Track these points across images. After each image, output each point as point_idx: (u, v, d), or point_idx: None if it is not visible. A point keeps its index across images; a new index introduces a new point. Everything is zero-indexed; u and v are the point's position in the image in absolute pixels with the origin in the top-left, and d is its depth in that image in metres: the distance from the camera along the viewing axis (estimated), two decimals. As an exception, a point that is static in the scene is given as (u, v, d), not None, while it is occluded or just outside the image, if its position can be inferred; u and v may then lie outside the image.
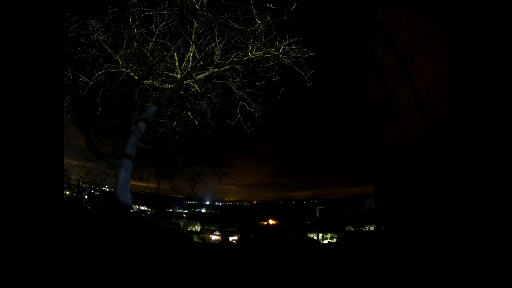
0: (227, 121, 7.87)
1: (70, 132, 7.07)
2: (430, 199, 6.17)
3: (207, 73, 7.39)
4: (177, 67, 7.34)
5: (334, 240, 33.24)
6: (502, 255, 2.03)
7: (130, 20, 6.27)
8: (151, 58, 6.85)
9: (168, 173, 7.77)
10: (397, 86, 7.13)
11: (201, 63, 7.16)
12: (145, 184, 7.91)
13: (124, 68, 6.91)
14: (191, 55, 7.17)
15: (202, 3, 6.31)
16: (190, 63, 7.23)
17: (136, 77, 7.10)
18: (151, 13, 6.24)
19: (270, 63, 7.21)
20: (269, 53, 6.89)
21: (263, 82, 7.53)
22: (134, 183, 7.63)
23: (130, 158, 6.81)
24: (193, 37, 6.82)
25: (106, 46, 6.65)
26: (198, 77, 7.42)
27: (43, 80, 1.96)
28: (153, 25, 6.57)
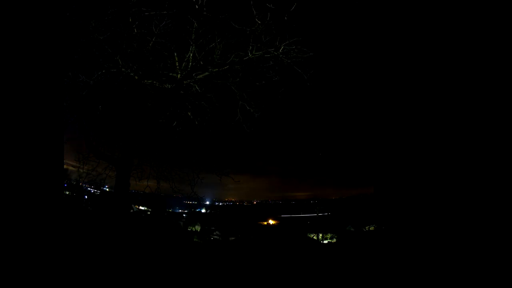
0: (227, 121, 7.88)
1: (70, 132, 7.07)
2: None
3: (207, 73, 7.39)
4: (177, 67, 7.34)
5: (334, 240, 33.24)
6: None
7: (130, 20, 6.26)
8: (151, 58, 6.86)
9: (168, 173, 7.78)
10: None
11: (201, 63, 7.17)
12: (145, 184, 7.93)
13: (124, 68, 6.91)
14: (191, 55, 7.17)
15: (202, 3, 6.32)
16: (190, 63, 7.23)
17: (136, 77, 7.10)
18: (151, 13, 6.24)
19: (270, 63, 7.21)
20: (269, 53, 6.89)
21: (263, 82, 7.54)
22: (134, 183, 7.64)
23: (130, 158, 6.81)
24: (193, 37, 6.82)
25: (106, 46, 6.65)
26: (198, 77, 7.42)
27: (43, 81, 1.96)
28: (153, 25, 6.57)
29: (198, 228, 43.68)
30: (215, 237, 38.88)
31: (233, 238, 33.00)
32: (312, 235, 33.99)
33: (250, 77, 7.66)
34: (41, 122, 1.94)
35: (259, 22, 6.24)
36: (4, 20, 1.80)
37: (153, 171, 7.78)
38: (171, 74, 7.50)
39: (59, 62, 2.10)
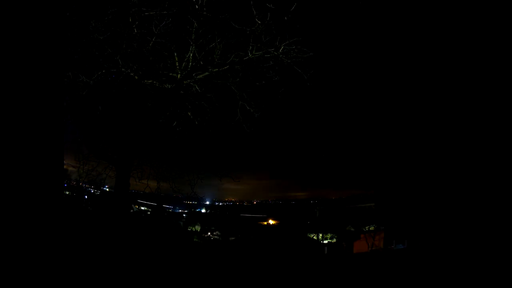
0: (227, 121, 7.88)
1: (70, 132, 7.07)
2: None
3: (207, 73, 7.39)
4: (177, 67, 7.34)
5: (334, 240, 33.22)
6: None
7: (130, 20, 6.26)
8: (151, 58, 6.86)
9: (168, 173, 7.79)
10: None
11: (201, 63, 7.16)
12: (145, 184, 7.94)
13: (124, 68, 6.91)
14: (191, 55, 7.17)
15: (202, 3, 6.32)
16: (190, 63, 7.23)
17: (136, 77, 7.10)
18: (151, 13, 6.24)
19: (270, 63, 7.21)
20: (269, 53, 6.89)
21: (263, 82, 7.54)
22: (134, 183, 7.64)
23: (130, 158, 6.81)
24: (193, 37, 6.82)
25: (106, 46, 6.65)
26: (198, 77, 7.42)
27: (43, 81, 1.95)
28: (153, 25, 6.57)
29: (198, 228, 43.61)
30: (215, 237, 38.83)
31: (233, 238, 32.98)
32: (312, 235, 33.96)
33: (250, 77, 7.66)
34: (41, 122, 1.94)
35: (259, 22, 6.24)
36: (4, 20, 1.80)
37: (153, 171, 7.79)
38: (171, 74, 7.50)
39: (59, 62, 2.10)
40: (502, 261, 5.52)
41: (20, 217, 1.85)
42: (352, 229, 33.97)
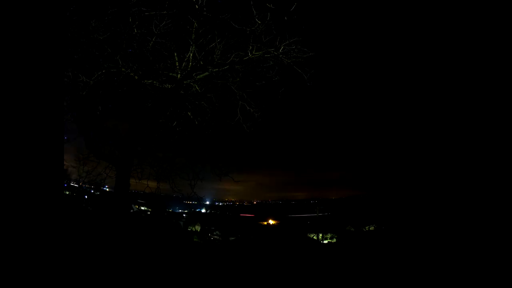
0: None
1: (70, 132, 7.07)
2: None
3: (207, 73, 7.39)
4: (177, 67, 7.34)
5: (334, 240, 33.25)
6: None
7: (130, 20, 6.26)
8: (151, 58, 6.86)
9: (168, 173, 7.79)
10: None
11: (201, 63, 7.16)
12: (145, 184, 7.94)
13: (124, 68, 6.91)
14: (191, 55, 7.17)
15: (202, 3, 6.32)
16: (190, 63, 7.23)
17: (136, 77, 7.10)
18: (151, 13, 6.24)
19: (270, 63, 7.21)
20: (269, 53, 6.88)
21: (263, 82, 7.54)
22: (134, 183, 7.64)
23: (130, 158, 6.81)
24: (193, 37, 6.82)
25: (106, 46, 6.65)
26: (198, 77, 7.41)
27: (43, 80, 1.96)
28: (153, 25, 6.57)
29: (198, 228, 43.71)
30: (215, 237, 38.89)
31: (233, 238, 33.00)
32: (312, 235, 33.98)
33: (250, 77, 7.66)
34: (41, 122, 1.94)
35: (259, 22, 6.24)
36: (4, 19, 1.80)
37: (153, 171, 7.79)
38: (171, 74, 7.50)
39: (59, 62, 2.09)
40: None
41: (20, 217, 1.85)
42: (352, 229, 34.00)
